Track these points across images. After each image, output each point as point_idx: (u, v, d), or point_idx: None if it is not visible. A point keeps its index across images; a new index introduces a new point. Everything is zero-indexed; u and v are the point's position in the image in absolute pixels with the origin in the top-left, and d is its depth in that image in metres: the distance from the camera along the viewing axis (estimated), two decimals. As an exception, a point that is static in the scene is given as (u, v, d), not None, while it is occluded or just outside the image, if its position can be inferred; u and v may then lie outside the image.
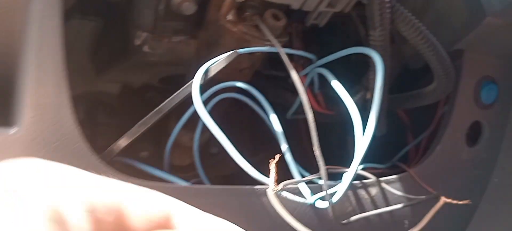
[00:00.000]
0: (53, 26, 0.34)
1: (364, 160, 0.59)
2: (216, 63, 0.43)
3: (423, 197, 0.47)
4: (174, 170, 0.71)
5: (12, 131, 0.34)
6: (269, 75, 0.65)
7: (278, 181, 0.42)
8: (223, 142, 0.40)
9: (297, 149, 0.54)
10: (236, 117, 0.80)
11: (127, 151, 0.74)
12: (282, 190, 0.41)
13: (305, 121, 0.77)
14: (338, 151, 0.78)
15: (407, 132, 0.65)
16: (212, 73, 0.42)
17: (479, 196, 0.57)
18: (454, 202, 0.43)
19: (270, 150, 0.50)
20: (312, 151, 0.81)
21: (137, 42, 0.61)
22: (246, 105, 0.57)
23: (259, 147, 0.79)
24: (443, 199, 0.44)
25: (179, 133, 0.69)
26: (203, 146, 0.74)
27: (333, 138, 0.78)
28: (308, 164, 0.54)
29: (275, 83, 0.64)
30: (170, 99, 0.42)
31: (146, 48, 0.62)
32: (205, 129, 0.60)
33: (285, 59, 0.45)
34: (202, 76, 0.42)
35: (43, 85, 0.34)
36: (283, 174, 0.49)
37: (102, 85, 0.75)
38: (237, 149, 0.41)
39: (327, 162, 0.51)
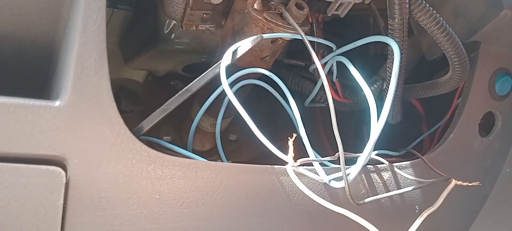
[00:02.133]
0: (98, 7, 0.37)
1: (379, 147, 0.62)
2: (242, 46, 0.45)
3: (433, 179, 0.49)
4: (196, 154, 0.75)
5: (56, 103, 0.38)
6: (288, 64, 0.68)
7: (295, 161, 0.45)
8: (246, 118, 0.43)
9: (312, 138, 0.56)
10: (255, 106, 0.83)
11: (151, 134, 0.77)
12: (299, 166, 0.43)
13: (321, 110, 0.80)
14: (354, 140, 0.80)
15: (422, 122, 0.67)
16: (238, 54, 0.45)
17: (490, 185, 0.58)
18: (465, 184, 0.45)
19: (287, 140, 0.53)
20: (327, 140, 0.83)
21: (166, 30, 0.65)
22: (264, 96, 0.60)
23: (277, 136, 0.82)
24: (454, 181, 0.46)
25: (201, 119, 0.73)
26: (222, 132, 0.77)
27: (349, 127, 0.80)
28: (323, 152, 0.56)
29: (294, 72, 0.66)
30: (198, 80, 0.45)
31: (173, 36, 0.65)
32: (225, 116, 0.63)
33: (308, 45, 0.47)
34: (229, 57, 0.45)
35: (86, 63, 0.38)
36: (301, 157, 0.52)
37: (128, 73, 0.79)
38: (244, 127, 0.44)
39: (343, 149, 0.54)
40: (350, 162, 0.52)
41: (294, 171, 0.44)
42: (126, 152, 0.41)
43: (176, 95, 0.45)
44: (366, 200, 0.46)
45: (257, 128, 0.47)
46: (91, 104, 0.38)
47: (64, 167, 0.39)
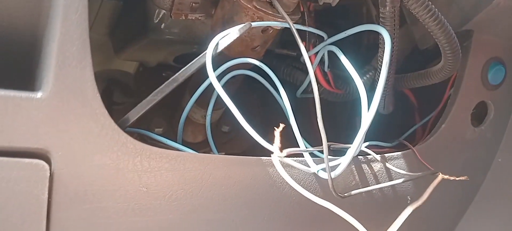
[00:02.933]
0: (79, -4, 0.36)
1: (371, 137, 0.61)
2: (230, 34, 0.45)
3: (420, 173, 0.48)
4: (187, 146, 0.74)
5: (38, 95, 0.37)
6: (280, 55, 0.67)
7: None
8: (232, 109, 0.42)
9: (306, 128, 0.56)
10: (248, 98, 0.82)
11: (142, 126, 0.76)
12: (286, 157, 0.43)
13: (314, 100, 0.80)
14: (347, 131, 0.80)
15: (415, 112, 0.67)
16: (225, 44, 0.44)
17: (482, 174, 0.58)
18: (452, 178, 0.45)
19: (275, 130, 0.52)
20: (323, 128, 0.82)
21: (155, 20, 0.64)
22: (257, 88, 0.59)
23: (269, 128, 0.81)
24: (441, 175, 0.45)
25: (191, 110, 0.72)
26: (214, 124, 0.77)
27: (342, 118, 0.79)
28: (317, 143, 0.55)
29: (286, 62, 0.66)
30: (184, 69, 0.44)
31: (163, 26, 0.64)
32: (216, 107, 0.62)
33: (296, 34, 0.46)
34: (215, 47, 0.44)
35: (68, 52, 0.37)
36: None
37: (119, 64, 0.78)
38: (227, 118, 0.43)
39: (335, 140, 0.53)
40: (341, 152, 0.52)
41: (282, 162, 0.43)
42: (112, 144, 0.40)
43: (162, 85, 0.44)
44: (352, 192, 0.45)
45: (248, 119, 0.47)
46: (74, 95, 0.37)
47: (48, 160, 0.39)
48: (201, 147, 0.74)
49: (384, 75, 0.41)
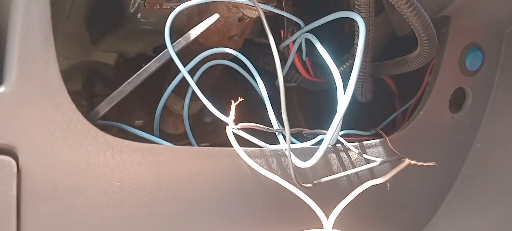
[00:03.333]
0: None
1: (350, 126, 0.61)
2: (198, 26, 0.44)
3: (385, 159, 0.48)
4: (169, 138, 0.73)
5: (1, 89, 0.36)
6: (260, 43, 0.66)
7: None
8: (200, 96, 0.42)
9: (289, 117, 0.55)
10: (232, 89, 0.81)
11: (123, 119, 0.75)
12: (240, 129, 0.43)
13: (297, 89, 0.79)
14: (329, 119, 0.80)
15: (395, 100, 0.66)
16: (193, 35, 0.43)
17: (461, 160, 0.58)
18: (419, 164, 0.45)
19: (265, 119, 0.52)
20: (303, 118, 0.82)
21: (131, 9, 0.62)
22: (241, 77, 0.58)
23: (254, 116, 0.81)
24: (407, 160, 0.46)
25: (172, 101, 0.71)
26: (196, 114, 0.76)
27: (325, 106, 0.79)
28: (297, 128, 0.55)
29: (265, 51, 0.65)
30: (155, 60, 0.44)
31: (139, 16, 0.62)
32: (196, 98, 0.62)
33: (263, 19, 0.46)
34: (185, 37, 0.43)
35: (30, 46, 0.36)
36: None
37: (98, 55, 0.77)
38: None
39: (317, 128, 0.53)
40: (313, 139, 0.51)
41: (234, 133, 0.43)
42: (81, 138, 0.39)
43: (133, 77, 0.43)
44: (322, 180, 0.45)
45: (226, 109, 0.46)
46: (39, 89, 0.36)
47: (14, 156, 0.38)
48: (183, 138, 0.74)
49: (358, 63, 0.41)
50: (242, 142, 0.46)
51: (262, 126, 0.47)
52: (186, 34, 0.47)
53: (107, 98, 0.43)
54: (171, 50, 0.43)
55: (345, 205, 0.45)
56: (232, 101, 0.43)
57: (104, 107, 0.42)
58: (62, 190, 0.40)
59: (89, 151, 0.40)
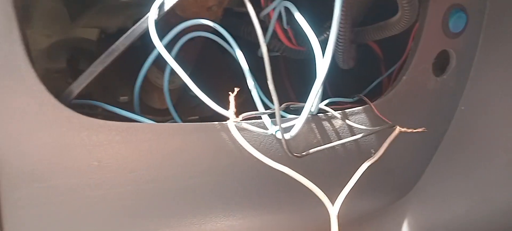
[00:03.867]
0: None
1: (336, 94, 0.60)
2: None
3: (378, 128, 0.48)
4: (155, 113, 0.72)
5: (-33, 74, 0.35)
6: (240, 13, 0.64)
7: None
8: (180, 73, 0.41)
9: (277, 87, 0.54)
10: (218, 62, 0.80)
11: (107, 96, 0.74)
12: (242, 121, 0.42)
13: (283, 58, 0.78)
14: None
15: (381, 65, 0.66)
16: (167, 7, 0.42)
17: (446, 123, 0.58)
18: (409, 130, 0.45)
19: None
20: (291, 88, 0.81)
21: (108, -17, 0.60)
22: (226, 50, 0.57)
23: (241, 90, 0.80)
24: (398, 128, 0.45)
25: (156, 76, 0.70)
26: (182, 88, 0.75)
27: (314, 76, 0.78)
28: (287, 100, 0.54)
29: (246, 20, 0.63)
30: (125, 36, 0.42)
31: (117, -12, 0.61)
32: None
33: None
34: (158, 9, 0.42)
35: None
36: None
37: (80, 32, 0.75)
38: (196, 84, 0.41)
39: (304, 98, 0.52)
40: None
41: (238, 126, 0.42)
42: (54, 120, 0.38)
43: (102, 56, 0.42)
44: (310, 151, 0.45)
45: (217, 82, 0.45)
46: (6, 73, 0.35)
47: (-13, 142, 0.37)
48: (168, 112, 0.73)
49: (335, 29, 0.40)
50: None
51: (258, 112, 0.46)
52: (160, 4, 0.45)
53: (78, 78, 0.42)
54: (151, 22, 0.42)
55: (348, 190, 0.44)
56: (230, 93, 0.42)
57: (76, 87, 0.41)
58: (40, 173, 0.39)
59: (64, 133, 0.39)
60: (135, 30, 0.43)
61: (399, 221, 0.67)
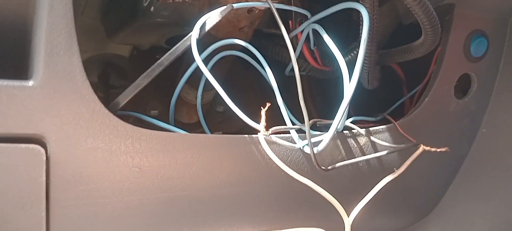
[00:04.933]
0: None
1: (359, 113, 0.63)
2: (211, 17, 0.46)
3: (402, 145, 0.50)
4: (183, 127, 0.76)
5: (30, 83, 0.39)
6: (269, 34, 0.68)
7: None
8: (219, 90, 0.44)
9: (298, 105, 0.57)
10: (243, 78, 0.83)
11: (138, 109, 0.78)
12: (271, 134, 0.45)
13: (307, 77, 0.81)
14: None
15: (402, 87, 0.68)
16: (208, 26, 0.45)
17: (468, 145, 0.60)
18: (433, 149, 0.47)
19: (275, 109, 0.54)
20: (314, 107, 0.84)
21: (145, 3, 0.64)
22: (253, 68, 0.60)
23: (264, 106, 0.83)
24: (422, 147, 0.47)
25: (186, 91, 0.73)
26: (209, 104, 0.79)
27: (336, 95, 0.81)
28: (311, 118, 0.57)
29: (274, 41, 0.67)
30: (170, 52, 0.46)
31: (152, 9, 0.65)
32: (208, 88, 0.64)
33: (275, 13, 0.48)
34: (199, 29, 0.45)
35: (55, 41, 0.38)
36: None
37: (113, 48, 0.79)
38: (232, 99, 0.44)
39: (330, 117, 0.55)
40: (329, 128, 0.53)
41: (268, 140, 0.45)
42: (103, 127, 0.42)
43: (149, 70, 0.45)
44: (336, 165, 0.47)
45: (243, 98, 0.48)
46: (64, 82, 0.39)
47: (43, 145, 0.41)
48: (196, 127, 0.76)
49: (362, 52, 0.43)
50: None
51: (287, 126, 0.49)
52: (202, 25, 0.49)
53: (125, 90, 0.45)
54: (193, 40, 0.45)
55: (365, 202, 0.46)
56: (262, 107, 0.45)
57: (123, 98, 0.45)
58: (87, 176, 0.43)
59: (111, 140, 0.43)
60: (178, 47, 0.46)
61: (419, 240, 0.68)
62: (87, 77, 0.40)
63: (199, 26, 0.46)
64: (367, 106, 0.68)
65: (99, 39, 0.76)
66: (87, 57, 0.75)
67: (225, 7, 0.46)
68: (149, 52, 0.78)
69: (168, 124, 0.55)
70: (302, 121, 0.55)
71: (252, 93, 0.86)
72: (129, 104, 0.73)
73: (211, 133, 0.67)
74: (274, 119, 0.55)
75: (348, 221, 0.43)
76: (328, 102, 0.86)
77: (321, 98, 0.85)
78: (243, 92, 0.79)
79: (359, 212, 0.46)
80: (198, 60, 0.44)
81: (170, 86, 0.74)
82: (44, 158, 0.40)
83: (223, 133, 0.80)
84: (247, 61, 0.60)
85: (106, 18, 0.73)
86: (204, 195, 0.48)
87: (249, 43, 0.58)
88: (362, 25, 0.48)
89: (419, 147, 0.48)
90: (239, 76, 0.81)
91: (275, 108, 0.54)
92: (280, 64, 0.64)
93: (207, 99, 0.74)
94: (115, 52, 0.81)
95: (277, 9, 0.53)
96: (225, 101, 0.79)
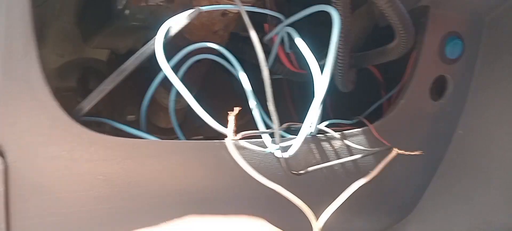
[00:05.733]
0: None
1: (336, 116, 0.62)
2: (179, 20, 0.45)
3: (376, 149, 0.49)
4: (161, 132, 0.74)
5: (-13, 90, 0.38)
6: (246, 37, 0.67)
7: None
8: (184, 93, 0.43)
9: (281, 109, 0.56)
10: (222, 82, 0.83)
11: (115, 114, 0.77)
12: (240, 139, 0.44)
13: (287, 81, 0.80)
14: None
15: (380, 89, 0.67)
16: (174, 30, 0.44)
17: (444, 147, 0.59)
18: (407, 153, 0.46)
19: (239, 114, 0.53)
20: (294, 110, 0.83)
21: (119, 6, 0.63)
22: (232, 73, 0.59)
23: (245, 111, 0.82)
24: (395, 150, 0.46)
25: (162, 96, 0.72)
26: (188, 109, 0.77)
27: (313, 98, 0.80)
28: (290, 121, 0.56)
29: (251, 44, 0.66)
30: (135, 57, 0.45)
31: (128, 13, 0.64)
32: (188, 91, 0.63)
33: (244, 15, 0.47)
34: (165, 33, 0.44)
35: (13, 46, 0.37)
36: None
37: (91, 52, 0.78)
38: (199, 103, 0.43)
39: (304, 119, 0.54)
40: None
41: (237, 145, 0.44)
42: (65, 135, 0.41)
43: (112, 75, 0.44)
44: (309, 169, 0.46)
45: (220, 108, 0.46)
46: (22, 89, 0.38)
47: (1, 154, 0.39)
48: (174, 132, 0.75)
49: (332, 53, 0.42)
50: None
51: (257, 131, 0.48)
52: (168, 28, 0.48)
53: (89, 96, 0.44)
54: (157, 44, 0.44)
55: (335, 208, 0.45)
56: (229, 112, 0.44)
57: (87, 104, 0.44)
58: (49, 185, 0.41)
59: (74, 148, 0.41)
60: (144, 51, 0.45)
61: (398, 244, 0.67)
62: (66, 82, 0.39)
63: (165, 30, 0.45)
64: (347, 110, 0.67)
65: (77, 43, 0.74)
66: (65, 62, 0.73)
67: (192, 10, 0.45)
68: (127, 56, 0.77)
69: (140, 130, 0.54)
70: (281, 124, 0.54)
71: (233, 99, 0.85)
72: (107, 110, 0.71)
73: (191, 137, 0.66)
74: (253, 125, 0.54)
75: (316, 225, 0.42)
76: (309, 106, 0.86)
77: (303, 102, 0.84)
78: (223, 99, 0.78)
79: (334, 215, 0.45)
80: (163, 63, 0.43)
81: (145, 91, 0.72)
82: (2, 167, 0.39)
83: (203, 138, 0.79)
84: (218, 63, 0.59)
85: (82, 22, 0.72)
86: (174, 201, 0.47)
87: (225, 46, 0.57)
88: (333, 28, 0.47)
89: (392, 151, 0.47)
90: (220, 82, 0.80)
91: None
92: (260, 68, 0.63)
93: (184, 103, 0.73)
94: (93, 56, 0.80)
95: (251, 12, 0.52)
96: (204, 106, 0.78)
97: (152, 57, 0.49)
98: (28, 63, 0.38)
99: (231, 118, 0.43)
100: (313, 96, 0.84)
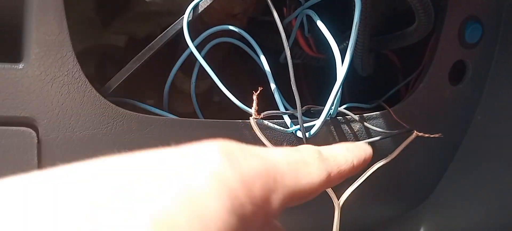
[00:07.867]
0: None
1: (354, 100, 0.62)
2: (203, 1, 0.46)
3: (396, 131, 0.50)
4: (178, 116, 0.76)
5: (20, 66, 0.39)
6: (264, 22, 0.68)
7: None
8: (209, 71, 0.44)
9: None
10: (238, 67, 0.84)
11: (135, 97, 0.78)
12: (262, 118, 0.45)
13: (303, 66, 0.81)
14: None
15: (398, 74, 0.68)
16: (201, 8, 0.45)
17: (462, 133, 0.60)
18: (426, 135, 0.46)
19: (271, 98, 0.54)
20: (309, 94, 0.84)
21: (139, -9, 0.65)
22: (248, 56, 0.60)
23: (261, 95, 0.83)
24: (415, 133, 0.47)
25: (181, 80, 0.74)
26: (205, 93, 0.79)
27: (331, 83, 0.80)
28: (307, 105, 0.57)
29: (269, 29, 0.67)
30: (160, 37, 0.46)
31: (146, -2, 0.65)
32: (203, 77, 0.64)
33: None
34: (190, 12, 0.45)
35: (46, 23, 0.38)
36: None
37: (109, 38, 0.80)
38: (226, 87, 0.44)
39: (322, 104, 0.55)
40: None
41: (259, 124, 0.45)
42: (94, 110, 0.42)
43: (139, 54, 0.45)
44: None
45: (239, 85, 0.47)
46: (55, 64, 0.39)
47: (34, 128, 0.41)
48: (192, 116, 0.76)
49: (354, 35, 0.43)
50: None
51: (278, 111, 0.49)
52: (193, 7, 0.49)
53: (116, 75, 0.45)
54: (185, 23, 0.45)
55: (356, 186, 0.46)
56: (253, 91, 0.45)
57: (114, 82, 0.45)
58: (78, 158, 0.43)
59: (101, 123, 0.43)
60: (169, 31, 0.46)
61: (415, 229, 0.68)
62: (85, 68, 0.41)
63: (191, 8, 0.46)
64: (364, 95, 0.68)
65: (95, 29, 0.76)
66: (83, 48, 0.75)
67: (216, -10, 0.46)
68: (144, 41, 0.78)
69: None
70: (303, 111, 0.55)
71: (247, 81, 0.86)
72: (125, 94, 0.73)
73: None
74: (270, 107, 0.55)
75: (338, 203, 0.43)
76: (324, 91, 0.86)
77: (317, 88, 0.85)
78: (238, 80, 0.79)
79: (350, 196, 0.46)
80: (189, 43, 0.44)
81: (165, 77, 0.74)
82: (36, 141, 0.40)
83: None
84: (242, 50, 0.60)
85: (101, 8, 0.73)
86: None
87: (244, 30, 0.58)
88: (354, 10, 0.47)
89: (412, 133, 0.47)
90: (234, 65, 0.81)
91: (271, 97, 0.54)
92: (275, 53, 0.64)
93: (202, 88, 0.74)
94: (111, 42, 0.81)
95: (270, -4, 0.53)
96: (221, 90, 0.80)
97: (169, 43, 0.51)
98: (60, 42, 0.39)
99: (255, 97, 0.44)
100: (329, 81, 0.84)
